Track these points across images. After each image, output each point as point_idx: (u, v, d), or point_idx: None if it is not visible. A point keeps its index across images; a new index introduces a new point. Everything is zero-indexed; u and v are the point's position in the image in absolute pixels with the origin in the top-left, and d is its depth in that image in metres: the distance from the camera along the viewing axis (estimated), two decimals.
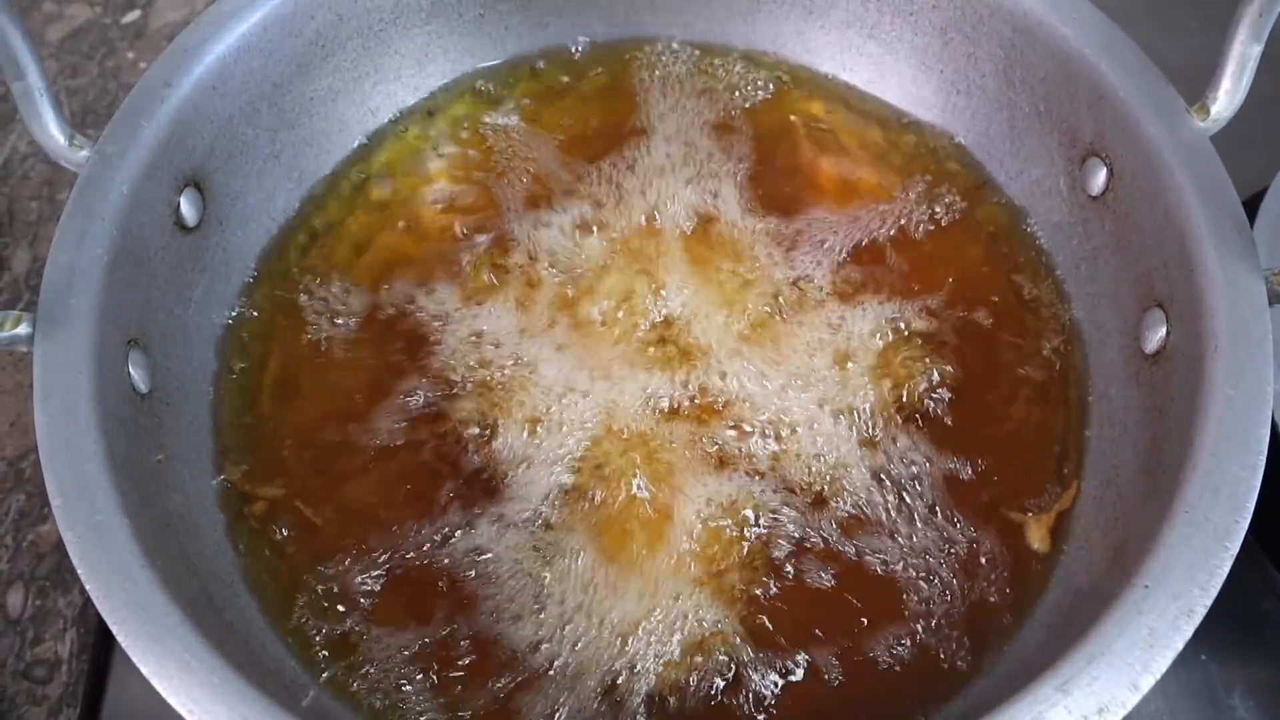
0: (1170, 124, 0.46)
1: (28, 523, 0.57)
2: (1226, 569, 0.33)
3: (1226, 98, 0.46)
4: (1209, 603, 0.33)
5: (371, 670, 0.43)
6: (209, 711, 0.31)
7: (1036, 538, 0.45)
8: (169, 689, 0.32)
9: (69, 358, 0.39)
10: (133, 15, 0.83)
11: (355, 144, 0.59)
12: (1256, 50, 0.45)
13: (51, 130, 0.45)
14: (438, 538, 0.46)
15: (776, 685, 0.42)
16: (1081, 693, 0.31)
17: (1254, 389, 0.38)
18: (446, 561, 0.46)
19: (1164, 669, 0.32)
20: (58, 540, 0.57)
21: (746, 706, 0.42)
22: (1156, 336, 0.44)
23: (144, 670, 0.32)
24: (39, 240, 0.70)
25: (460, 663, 0.43)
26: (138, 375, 0.43)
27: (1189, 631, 0.32)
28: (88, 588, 0.34)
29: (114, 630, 0.33)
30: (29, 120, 0.44)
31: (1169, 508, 0.35)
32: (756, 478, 0.47)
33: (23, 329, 0.40)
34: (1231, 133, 0.54)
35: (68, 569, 0.56)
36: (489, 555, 0.45)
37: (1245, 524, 0.34)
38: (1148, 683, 0.31)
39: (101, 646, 0.54)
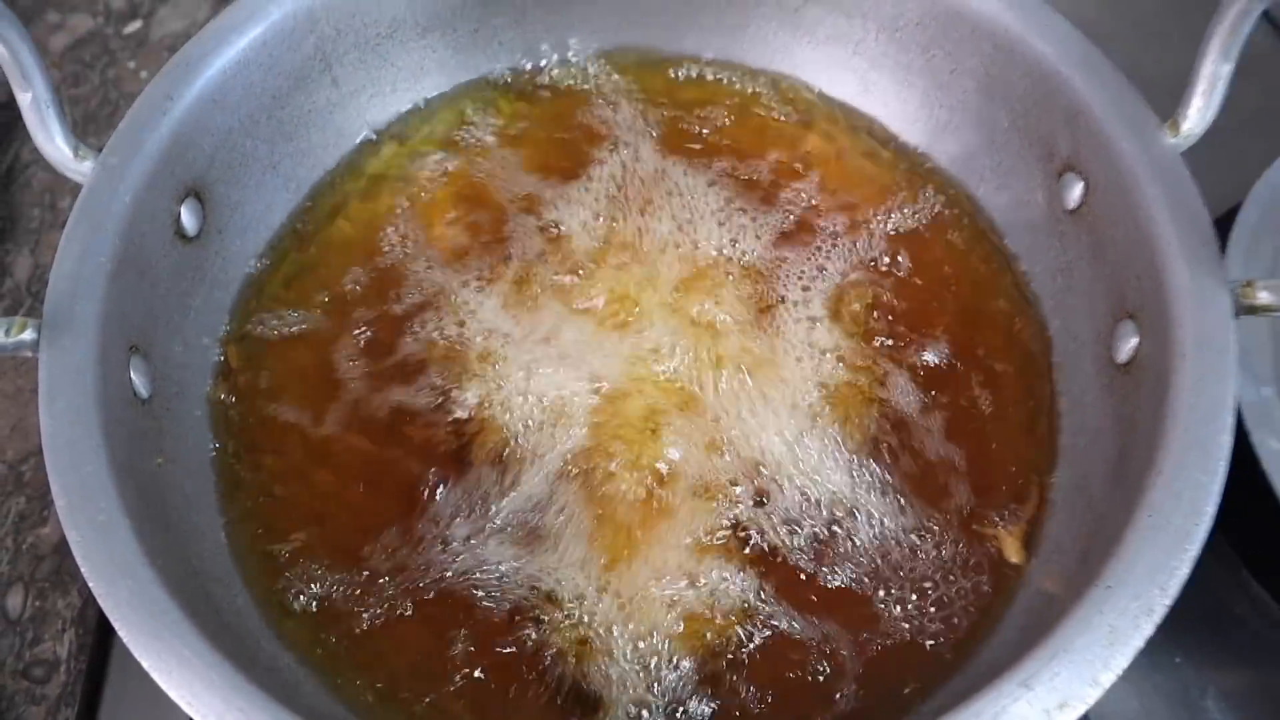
0: (1143, 140, 0.47)
1: (28, 525, 0.58)
2: (1187, 570, 0.35)
3: (1198, 115, 0.47)
4: (1169, 602, 0.34)
5: (368, 669, 0.44)
6: (207, 705, 0.32)
7: (1012, 551, 0.46)
8: (169, 683, 0.33)
9: (73, 363, 0.41)
10: (134, 25, 0.84)
11: (352, 155, 0.60)
12: (1227, 69, 0.46)
13: (57, 141, 0.46)
14: (436, 537, 0.47)
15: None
16: (1044, 688, 0.32)
17: (1217, 398, 0.39)
18: (444, 560, 0.47)
19: (1124, 666, 0.33)
20: (57, 542, 0.58)
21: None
22: (1128, 346, 0.46)
23: (145, 665, 0.33)
24: (40, 247, 0.71)
25: (456, 662, 0.45)
26: (139, 381, 0.44)
27: (1149, 630, 0.34)
28: (91, 585, 0.35)
29: (116, 626, 0.34)
30: (35, 131, 0.46)
31: (1133, 512, 0.36)
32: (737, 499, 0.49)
33: (28, 334, 0.41)
34: (1211, 145, 0.56)
35: (67, 571, 0.57)
36: (485, 554, 0.47)
37: (1205, 527, 0.36)
38: (1109, 679, 0.32)
39: (99, 647, 0.55)
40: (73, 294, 0.42)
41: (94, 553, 0.35)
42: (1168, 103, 0.49)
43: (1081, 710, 0.32)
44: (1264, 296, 0.42)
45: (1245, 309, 0.42)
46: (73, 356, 0.41)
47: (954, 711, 0.32)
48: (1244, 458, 0.54)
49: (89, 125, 0.76)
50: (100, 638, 0.56)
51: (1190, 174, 0.46)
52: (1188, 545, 0.35)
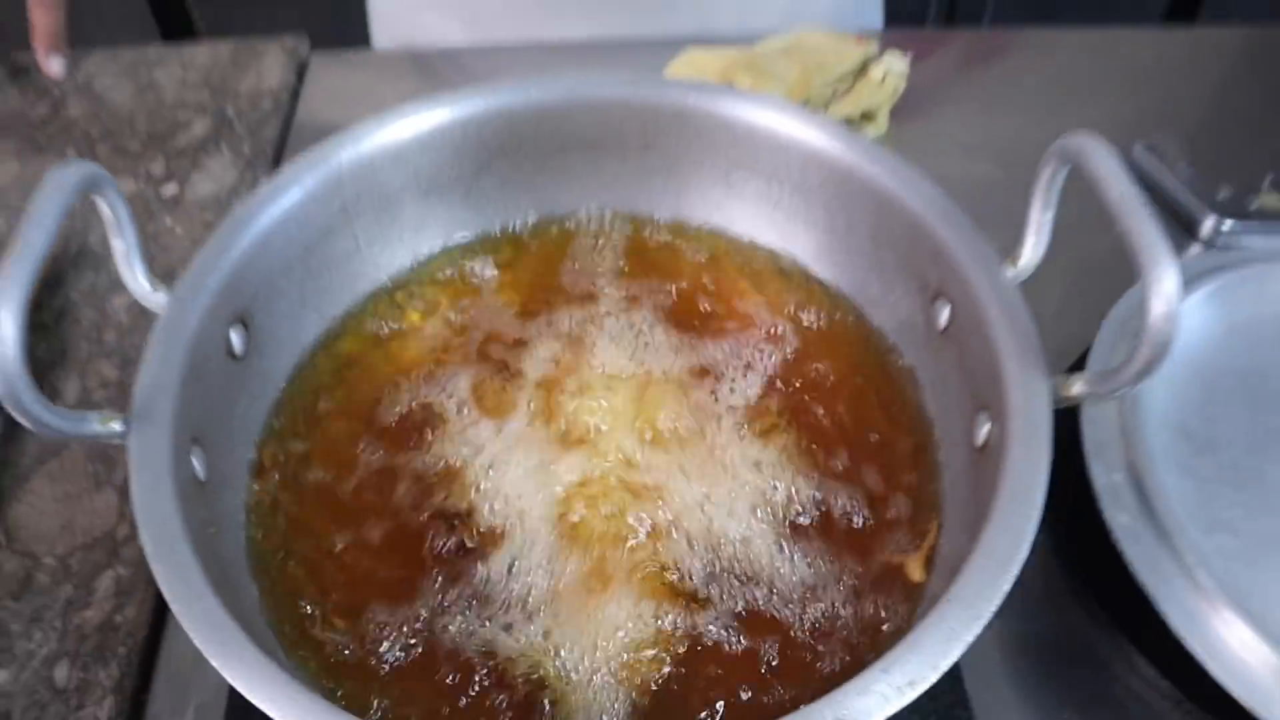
0: (989, 274, 0.59)
1: (74, 609, 0.66)
2: (1006, 588, 0.45)
3: (1031, 252, 0.59)
4: (992, 610, 0.44)
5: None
6: (264, 694, 0.42)
7: (915, 570, 0.56)
8: (232, 675, 0.42)
9: (154, 448, 0.51)
10: (171, 189, 0.96)
11: (366, 293, 0.71)
12: (1049, 215, 0.58)
13: (140, 279, 0.57)
14: (430, 606, 0.56)
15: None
16: (898, 672, 0.42)
17: (1036, 464, 0.50)
18: (454, 631, 0.56)
19: (957, 655, 0.43)
20: (99, 623, 0.65)
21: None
22: (983, 433, 0.56)
23: (213, 661, 0.42)
24: (88, 374, 0.80)
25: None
26: (198, 465, 0.54)
27: (978, 629, 0.44)
28: (172, 607, 0.44)
29: (191, 634, 0.43)
30: (123, 271, 0.57)
31: (973, 547, 0.47)
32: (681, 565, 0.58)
33: (117, 426, 0.51)
34: (1077, 283, 0.68)
35: (108, 647, 0.64)
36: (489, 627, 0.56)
37: (1022, 556, 0.46)
38: (946, 664, 0.42)
39: (135, 714, 0.62)
40: (153, 395, 0.53)
41: (174, 582, 0.45)
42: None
43: (923, 687, 0.42)
44: (1075, 388, 0.53)
45: (1063, 399, 0.54)
46: (154, 443, 0.51)
47: (830, 694, 0.42)
48: (1100, 532, 0.65)
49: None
50: (135, 707, 0.63)
51: (1023, 299, 0.58)
52: (1010, 568, 0.46)
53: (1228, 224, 0.90)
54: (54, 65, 1.09)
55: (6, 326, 0.44)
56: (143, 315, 0.85)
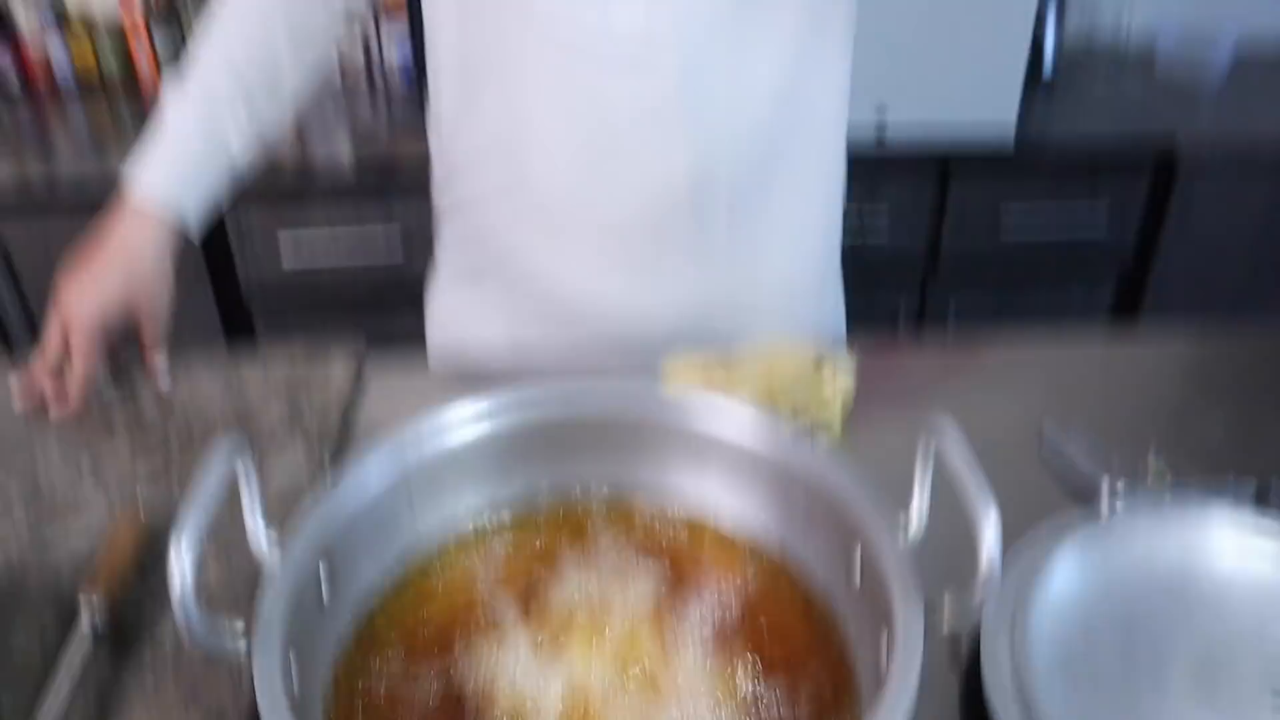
0: (890, 538, 0.78)
1: None
2: None
3: (916, 520, 0.79)
4: None
5: None
6: None
7: None
8: None
9: (269, 661, 0.68)
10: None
11: (416, 546, 0.90)
12: (928, 477, 0.77)
13: (259, 525, 0.78)
14: None
15: None
16: None
17: (911, 663, 0.67)
18: None
19: None
20: None
21: None
22: (884, 645, 0.73)
23: None
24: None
25: None
26: (295, 676, 0.71)
27: None
28: None
29: None
30: (248, 518, 0.76)
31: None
32: None
33: (242, 645, 0.71)
34: None
35: None
36: None
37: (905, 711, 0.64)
38: None
39: None
40: (270, 622, 0.71)
41: None
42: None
43: None
44: (946, 609, 0.73)
45: (935, 620, 0.73)
46: (269, 659, 0.68)
47: None
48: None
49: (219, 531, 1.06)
50: None
51: (911, 552, 0.78)
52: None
53: (1119, 486, 1.10)
54: (163, 383, 1.36)
55: (187, 562, 0.64)
56: (228, 564, 1.04)
